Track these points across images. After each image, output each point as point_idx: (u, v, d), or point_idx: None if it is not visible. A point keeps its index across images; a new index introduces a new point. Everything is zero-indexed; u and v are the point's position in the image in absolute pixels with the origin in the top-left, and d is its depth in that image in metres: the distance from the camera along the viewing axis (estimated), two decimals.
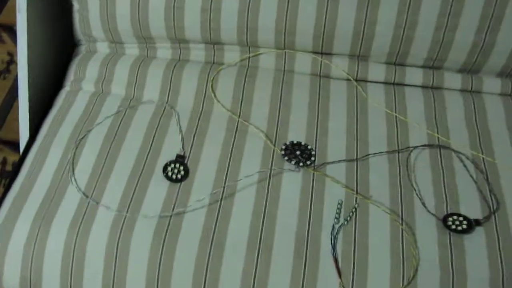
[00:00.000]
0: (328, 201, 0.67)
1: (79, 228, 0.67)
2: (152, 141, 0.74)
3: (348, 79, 0.81)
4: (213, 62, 0.84)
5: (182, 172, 0.70)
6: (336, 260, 0.62)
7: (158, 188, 0.69)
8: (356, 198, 0.67)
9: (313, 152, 0.71)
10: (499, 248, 0.62)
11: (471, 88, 0.79)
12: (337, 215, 0.65)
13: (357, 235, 0.64)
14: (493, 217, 0.65)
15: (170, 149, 0.73)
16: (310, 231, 0.65)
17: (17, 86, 0.84)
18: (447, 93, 0.79)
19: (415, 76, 0.80)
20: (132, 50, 0.87)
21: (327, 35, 0.78)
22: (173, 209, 0.66)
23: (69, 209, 0.68)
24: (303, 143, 0.73)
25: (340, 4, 0.76)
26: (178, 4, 0.80)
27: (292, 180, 0.69)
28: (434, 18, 0.74)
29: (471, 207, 0.66)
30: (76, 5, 0.87)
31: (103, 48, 0.89)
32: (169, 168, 0.70)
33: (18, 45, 0.83)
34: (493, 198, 0.67)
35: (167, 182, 0.69)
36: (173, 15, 0.81)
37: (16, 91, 0.85)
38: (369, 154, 0.71)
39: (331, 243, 0.63)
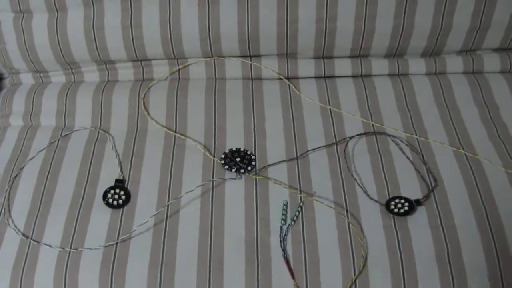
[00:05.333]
0: (273, 204, 0.67)
1: (22, 270, 0.64)
2: (89, 169, 0.72)
3: (279, 78, 0.81)
4: (143, 79, 0.83)
5: (123, 197, 0.68)
6: (287, 262, 0.62)
7: (100, 217, 0.67)
8: (301, 196, 0.68)
9: (253, 157, 0.71)
10: (441, 225, 0.64)
11: (398, 72, 0.81)
12: (283, 216, 0.66)
13: (305, 233, 0.64)
14: (432, 195, 0.67)
15: (108, 175, 0.71)
16: (258, 237, 0.64)
17: None
18: (377, 79, 0.81)
19: (344, 67, 0.81)
20: (58, 77, 0.84)
21: (252, 38, 0.78)
22: (117, 237, 0.65)
23: (9, 252, 0.65)
24: (242, 149, 0.72)
25: (260, 6, 0.76)
26: (97, 24, 0.78)
27: (235, 189, 0.68)
28: (353, 8, 0.75)
29: (411, 188, 0.68)
30: None
31: (27, 79, 0.85)
32: (109, 195, 0.68)
33: None
34: (430, 177, 0.69)
35: (109, 209, 0.68)
36: (94, 37, 0.78)
37: None
38: (308, 151, 0.72)
39: (281, 245, 0.64)
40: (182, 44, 0.79)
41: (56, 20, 0.79)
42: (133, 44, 0.79)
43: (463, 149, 0.71)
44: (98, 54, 0.80)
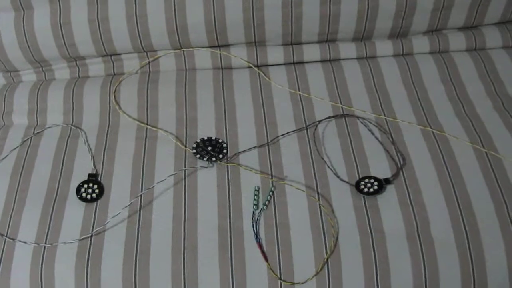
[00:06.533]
0: (245, 190, 0.68)
1: None
2: (62, 165, 0.72)
3: (249, 67, 0.82)
4: (114, 74, 0.83)
5: (97, 191, 0.69)
6: (260, 245, 0.63)
7: (74, 212, 0.67)
8: (272, 181, 0.68)
9: (224, 145, 0.72)
10: (410, 202, 0.65)
11: (366, 55, 0.82)
12: (255, 202, 0.67)
13: (277, 217, 0.65)
14: (401, 173, 0.68)
15: (81, 170, 0.72)
16: (231, 223, 0.65)
17: None
18: (345, 63, 0.82)
19: (312, 52, 0.82)
20: (28, 76, 0.84)
21: (219, 28, 0.78)
22: (92, 230, 0.65)
23: None
24: (213, 138, 0.73)
25: None
26: (64, 20, 0.78)
27: (207, 177, 0.69)
28: None
29: (380, 168, 0.69)
30: None
31: None
32: (83, 189, 0.69)
33: None
34: (399, 155, 0.70)
35: (83, 204, 0.68)
36: (61, 33, 0.79)
37: None
38: (278, 136, 0.73)
39: (253, 230, 0.65)
40: (150, 37, 0.79)
41: (23, 18, 0.79)
42: (101, 39, 0.79)
43: (431, 127, 0.72)
44: (67, 50, 0.80)
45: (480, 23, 0.82)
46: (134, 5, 0.77)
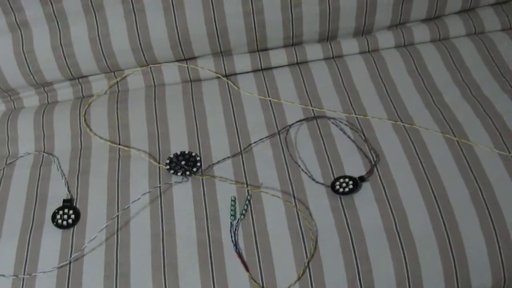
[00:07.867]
0: (222, 202, 0.68)
1: None
2: (36, 194, 0.71)
3: (217, 77, 0.82)
4: (83, 96, 0.83)
5: (73, 216, 0.68)
6: (240, 255, 0.63)
7: (51, 240, 0.66)
8: (248, 190, 0.68)
9: (198, 158, 0.72)
10: (387, 197, 0.65)
11: (333, 55, 0.82)
12: (232, 212, 0.66)
13: (255, 225, 0.65)
14: (375, 169, 0.68)
15: (56, 197, 0.71)
16: (210, 236, 0.65)
17: None
18: (312, 65, 0.82)
19: (279, 57, 0.82)
20: None
21: (184, 41, 0.78)
22: (70, 256, 0.65)
23: None
24: (187, 152, 0.73)
25: (186, 8, 0.76)
26: (26, 48, 0.78)
27: (182, 192, 0.69)
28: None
29: (355, 167, 0.69)
30: None
31: None
32: (58, 216, 0.68)
33: None
34: (372, 152, 0.70)
35: (60, 231, 0.67)
36: (25, 61, 0.78)
37: None
38: (251, 144, 0.73)
39: (232, 240, 0.64)
40: (115, 57, 0.79)
41: None
42: (67, 63, 0.79)
43: (401, 121, 0.73)
44: (33, 77, 0.80)
45: (442, 13, 0.82)
46: (96, 27, 0.77)
